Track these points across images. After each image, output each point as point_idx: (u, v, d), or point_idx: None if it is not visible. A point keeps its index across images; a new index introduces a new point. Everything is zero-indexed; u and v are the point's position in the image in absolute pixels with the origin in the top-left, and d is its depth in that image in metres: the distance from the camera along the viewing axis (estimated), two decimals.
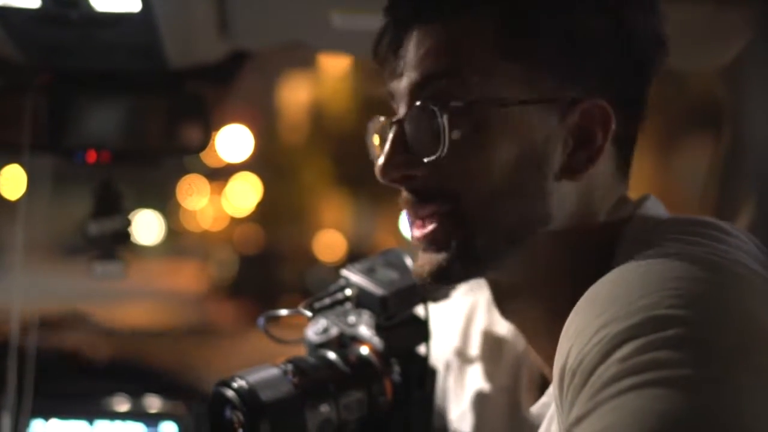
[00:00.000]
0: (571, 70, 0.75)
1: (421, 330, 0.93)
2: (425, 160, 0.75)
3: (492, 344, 0.94)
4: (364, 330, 0.91)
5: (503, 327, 0.93)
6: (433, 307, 0.96)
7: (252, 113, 7.54)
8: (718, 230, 0.70)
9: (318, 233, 8.63)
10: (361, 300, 0.91)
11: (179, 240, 9.67)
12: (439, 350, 0.99)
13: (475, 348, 0.96)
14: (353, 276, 0.92)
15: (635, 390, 0.53)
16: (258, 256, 8.34)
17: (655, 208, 0.79)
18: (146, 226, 8.97)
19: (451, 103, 0.74)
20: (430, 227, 0.78)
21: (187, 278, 8.32)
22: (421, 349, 0.93)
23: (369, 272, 0.92)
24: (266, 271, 7.80)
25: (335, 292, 0.92)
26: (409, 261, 0.92)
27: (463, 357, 0.97)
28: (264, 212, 8.91)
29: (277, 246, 8.54)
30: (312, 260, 8.00)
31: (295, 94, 8.59)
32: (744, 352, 0.55)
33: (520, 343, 0.90)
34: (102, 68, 1.14)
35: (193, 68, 1.15)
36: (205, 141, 1.13)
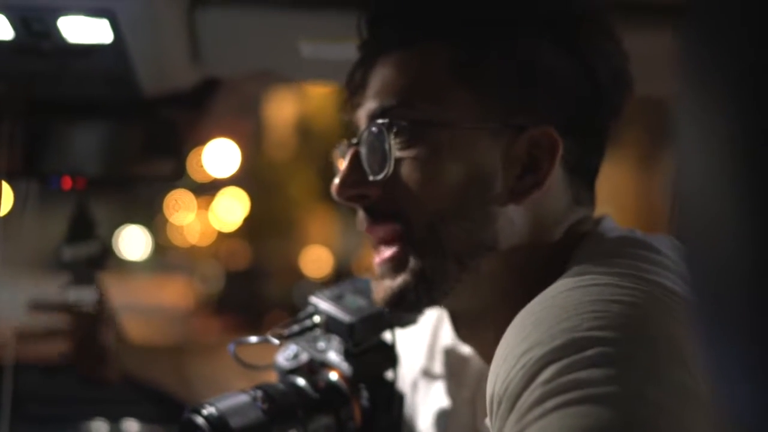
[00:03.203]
0: (522, 99, 0.77)
1: (388, 356, 0.94)
2: (371, 178, 0.79)
3: (456, 361, 0.95)
4: (333, 356, 0.92)
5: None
6: (400, 332, 0.97)
7: (239, 128, 7.53)
8: (647, 249, 0.71)
9: (305, 249, 8.62)
10: (330, 327, 0.92)
11: (166, 255, 9.63)
12: (406, 368, 1.00)
13: (439, 366, 0.97)
14: (322, 303, 0.93)
15: (559, 410, 0.54)
16: (245, 271, 8.31)
17: (609, 229, 0.79)
18: (133, 242, 8.93)
19: (397, 125, 0.77)
20: (388, 253, 0.81)
21: (174, 294, 8.27)
22: (389, 374, 0.94)
23: (337, 299, 0.93)
24: (253, 287, 7.77)
25: (304, 318, 0.93)
26: None
27: (429, 375, 0.98)
28: (251, 227, 8.89)
29: (264, 261, 8.51)
30: (299, 276, 7.98)
31: (282, 110, 8.61)
32: (660, 369, 0.56)
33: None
34: (76, 96, 1.15)
35: (167, 95, 1.16)
36: (179, 168, 1.14)
